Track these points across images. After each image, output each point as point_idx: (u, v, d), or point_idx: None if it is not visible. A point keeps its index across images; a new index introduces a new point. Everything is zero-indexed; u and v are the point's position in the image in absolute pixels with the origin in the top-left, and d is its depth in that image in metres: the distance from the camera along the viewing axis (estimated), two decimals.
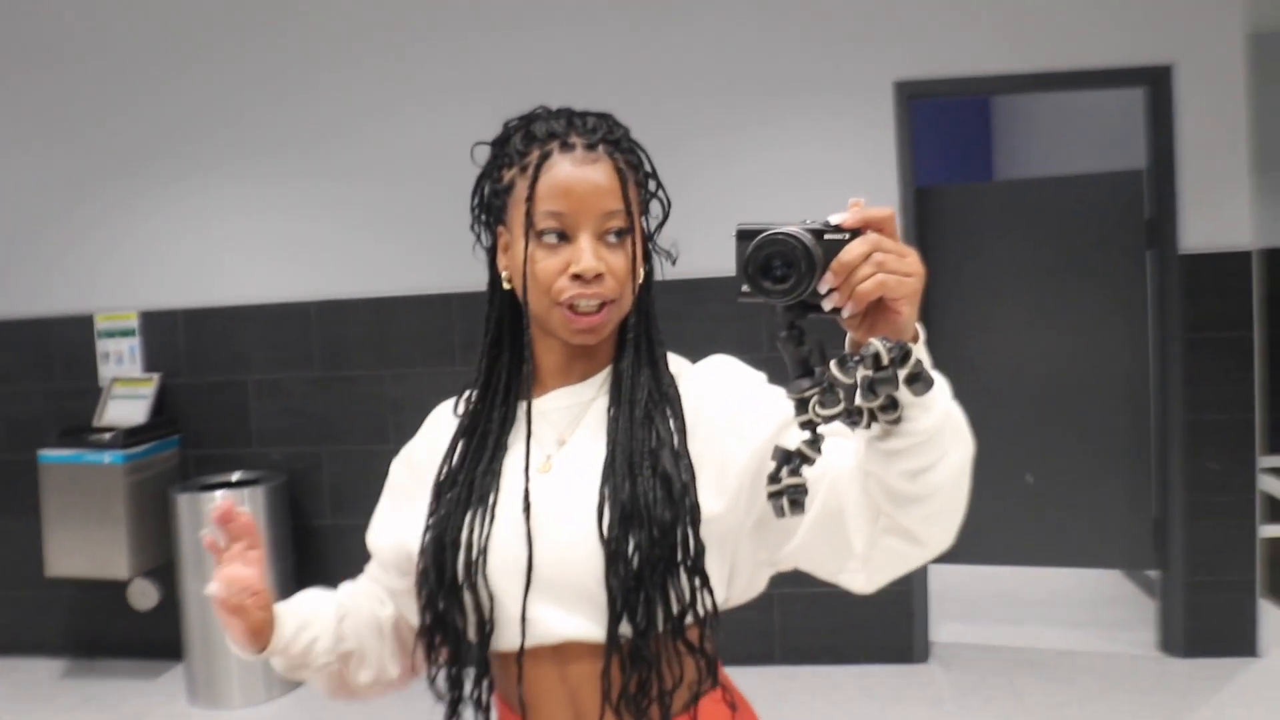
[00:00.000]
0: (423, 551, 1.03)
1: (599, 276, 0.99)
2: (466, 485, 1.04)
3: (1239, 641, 3.45)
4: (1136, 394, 3.59)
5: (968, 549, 3.98)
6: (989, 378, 3.68)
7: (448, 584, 1.00)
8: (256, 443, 3.85)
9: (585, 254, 0.99)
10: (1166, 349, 3.48)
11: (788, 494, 0.80)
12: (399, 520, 1.12)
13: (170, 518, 3.59)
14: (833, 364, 0.77)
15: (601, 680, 0.96)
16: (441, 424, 1.15)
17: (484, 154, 1.09)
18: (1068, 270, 3.65)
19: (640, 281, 1.05)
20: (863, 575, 0.92)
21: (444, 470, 1.07)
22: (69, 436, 3.73)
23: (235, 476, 3.68)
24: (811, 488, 0.87)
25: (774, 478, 0.81)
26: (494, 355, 1.10)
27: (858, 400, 0.77)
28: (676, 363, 1.10)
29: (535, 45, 3.66)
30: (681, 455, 0.99)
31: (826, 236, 0.79)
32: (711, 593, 0.97)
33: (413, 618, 1.10)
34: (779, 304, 0.79)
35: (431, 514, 1.05)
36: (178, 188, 3.92)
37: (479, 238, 1.10)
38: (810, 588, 3.50)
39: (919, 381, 0.76)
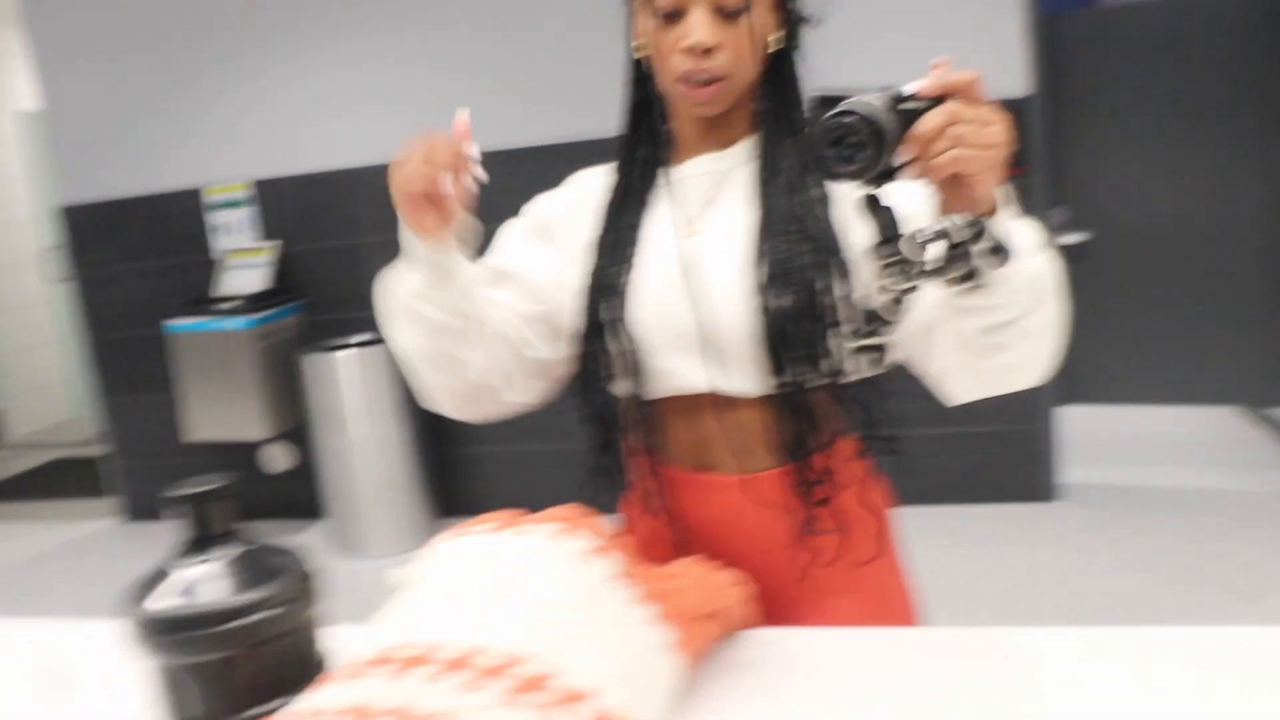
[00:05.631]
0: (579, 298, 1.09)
1: (709, 52, 0.99)
2: (612, 242, 1.08)
3: None
4: (1273, 234, 3.44)
5: (1094, 389, 3.87)
6: (1117, 217, 3.55)
7: (593, 328, 1.06)
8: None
9: (694, 28, 0.99)
10: None
11: (867, 352, 0.86)
12: (532, 251, 1.15)
13: (299, 381, 3.68)
14: (903, 240, 0.76)
15: (764, 429, 1.02)
16: (584, 187, 1.18)
17: None
18: (1203, 103, 3.46)
19: (771, 51, 1.04)
20: (946, 391, 0.98)
21: (598, 231, 1.11)
22: (193, 306, 3.81)
23: (359, 338, 3.73)
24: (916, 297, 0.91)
25: (856, 335, 0.85)
26: (634, 124, 1.13)
27: (931, 272, 0.78)
28: None
29: None
30: (829, 222, 1.02)
31: (902, 106, 0.76)
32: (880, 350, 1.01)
33: (525, 347, 1.09)
34: (848, 184, 0.77)
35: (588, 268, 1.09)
36: (275, 41, 3.88)
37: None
38: (937, 429, 3.51)
39: (994, 255, 0.77)
